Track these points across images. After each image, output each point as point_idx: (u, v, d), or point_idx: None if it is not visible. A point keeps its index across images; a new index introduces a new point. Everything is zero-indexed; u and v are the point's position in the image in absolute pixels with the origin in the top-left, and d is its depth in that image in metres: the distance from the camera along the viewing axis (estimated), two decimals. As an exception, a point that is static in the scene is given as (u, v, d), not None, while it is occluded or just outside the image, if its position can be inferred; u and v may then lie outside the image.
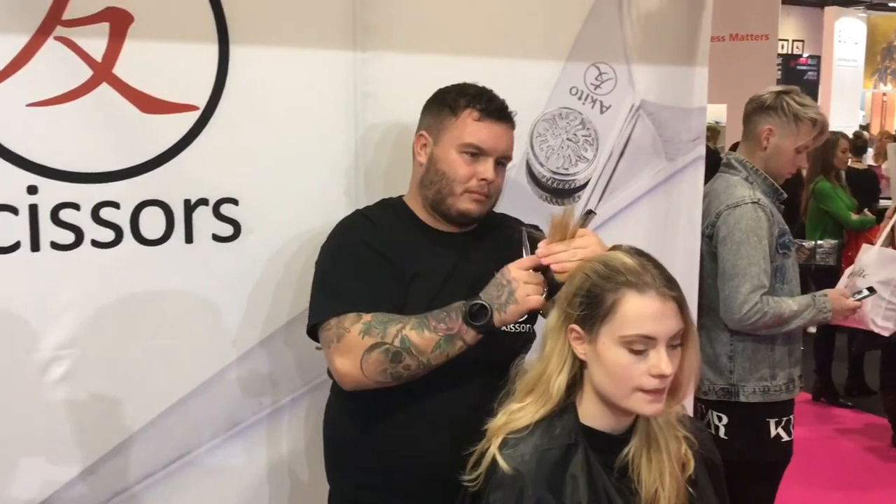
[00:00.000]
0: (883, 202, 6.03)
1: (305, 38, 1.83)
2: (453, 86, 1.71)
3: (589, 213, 1.57)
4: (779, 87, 2.50)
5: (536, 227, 1.72)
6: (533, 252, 1.53)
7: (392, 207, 1.74)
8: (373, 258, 1.62)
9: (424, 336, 1.51)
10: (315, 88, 1.86)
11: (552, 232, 1.48)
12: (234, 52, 1.77)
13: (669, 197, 2.35)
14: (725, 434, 2.43)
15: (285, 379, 1.93)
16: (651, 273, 1.30)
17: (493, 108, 1.67)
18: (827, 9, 15.59)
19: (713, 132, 8.04)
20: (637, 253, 1.35)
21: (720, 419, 2.44)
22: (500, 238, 1.74)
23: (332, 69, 1.86)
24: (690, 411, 2.39)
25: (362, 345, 1.52)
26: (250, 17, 1.78)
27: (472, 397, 1.53)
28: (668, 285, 1.29)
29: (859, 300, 2.45)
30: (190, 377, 1.82)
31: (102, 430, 1.77)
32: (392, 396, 1.60)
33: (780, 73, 16.52)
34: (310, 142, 1.87)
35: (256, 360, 1.87)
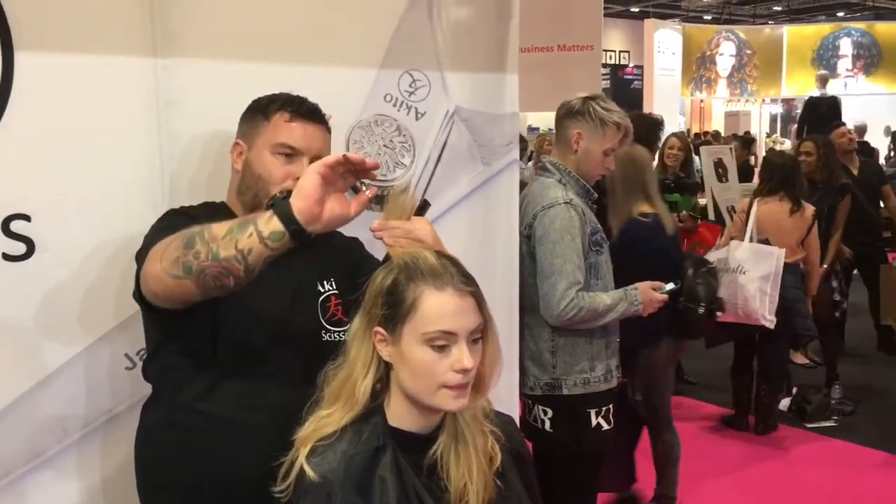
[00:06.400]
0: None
1: (99, 43, 1.74)
2: (267, 95, 1.70)
3: (425, 203, 1.58)
4: (586, 94, 2.63)
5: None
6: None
7: (214, 210, 1.69)
8: None
9: (223, 226, 1.37)
10: (113, 96, 1.77)
11: (390, 207, 1.46)
12: (20, 58, 1.66)
13: (487, 200, 2.40)
14: (551, 427, 2.51)
15: (93, 403, 1.82)
16: (450, 271, 1.33)
17: (305, 109, 1.68)
18: (647, 21, 16.59)
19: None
20: (439, 255, 1.38)
21: (546, 413, 2.52)
22: (322, 251, 1.73)
23: (130, 76, 1.78)
24: (516, 408, 2.47)
25: (170, 240, 1.41)
26: (37, 21, 1.67)
27: (293, 408, 1.49)
28: (466, 281, 1.33)
29: (665, 293, 2.60)
30: (-18, 407, 1.69)
31: None
32: (210, 408, 1.57)
33: (609, 82, 17.41)
34: (109, 152, 1.77)
35: (58, 386, 1.76)
